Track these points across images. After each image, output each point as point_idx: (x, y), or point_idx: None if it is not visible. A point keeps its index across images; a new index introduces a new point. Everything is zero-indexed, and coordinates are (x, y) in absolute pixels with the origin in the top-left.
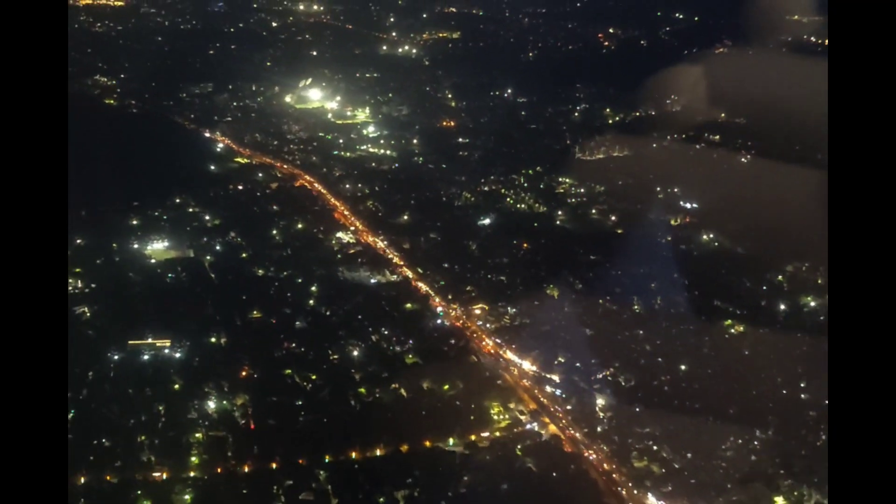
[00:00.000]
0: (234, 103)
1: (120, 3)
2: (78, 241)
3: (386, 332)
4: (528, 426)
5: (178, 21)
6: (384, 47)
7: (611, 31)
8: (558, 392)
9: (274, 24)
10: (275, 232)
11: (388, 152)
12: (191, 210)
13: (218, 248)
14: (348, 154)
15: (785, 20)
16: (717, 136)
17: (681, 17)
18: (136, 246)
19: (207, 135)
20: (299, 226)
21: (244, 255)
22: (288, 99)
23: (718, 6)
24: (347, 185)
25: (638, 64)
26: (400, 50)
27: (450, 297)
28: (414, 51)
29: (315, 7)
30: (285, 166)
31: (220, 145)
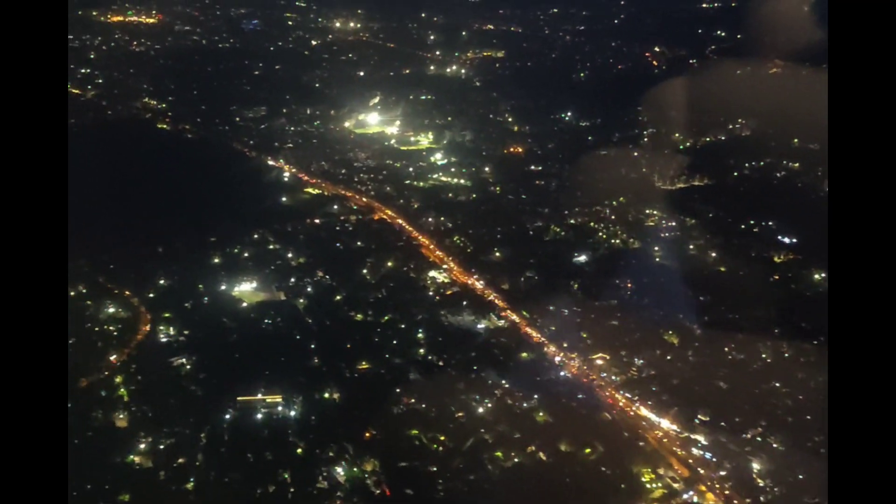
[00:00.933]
0: (292, 128)
1: (152, 21)
2: (161, 281)
3: (507, 386)
4: (685, 495)
5: (215, 40)
6: (432, 67)
7: (657, 49)
8: (708, 455)
9: (314, 43)
10: (364, 271)
11: (462, 181)
12: (271, 247)
13: (309, 289)
14: (422, 184)
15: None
16: (797, 164)
17: (723, 34)
18: (223, 287)
19: (271, 163)
20: (389, 264)
21: (338, 297)
22: (347, 124)
23: (759, 23)
24: (429, 219)
25: (694, 85)
26: (448, 70)
27: (565, 344)
28: (462, 71)
29: (352, 24)
30: (360, 198)
31: (287, 174)
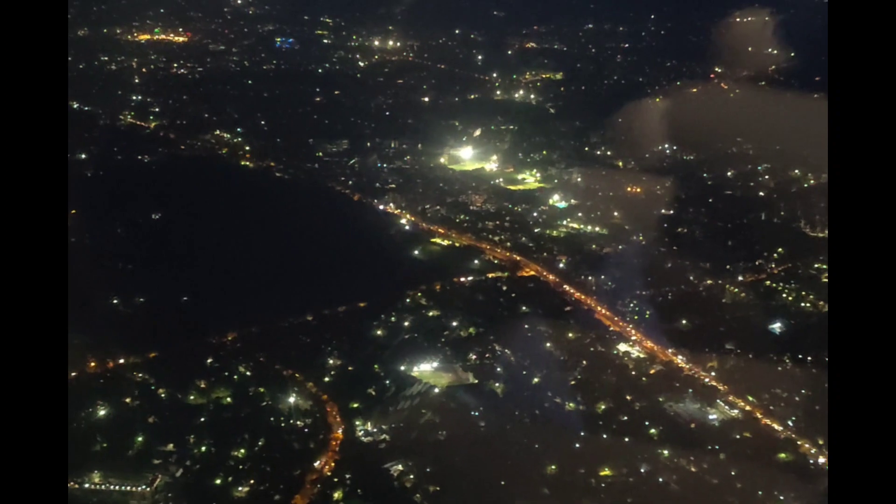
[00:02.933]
0: (385, 165)
1: (182, 39)
2: (331, 360)
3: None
4: None
5: (256, 61)
6: (498, 92)
7: (718, 70)
8: None
9: (362, 65)
10: (548, 345)
11: (598, 229)
12: (430, 313)
13: (498, 369)
14: (555, 232)
15: None
16: None
17: (774, 52)
18: (402, 367)
19: (382, 207)
20: (569, 335)
21: (535, 380)
22: (442, 160)
23: (814, 41)
24: (587, 277)
25: (786, 111)
26: (516, 95)
27: (820, 442)
28: (531, 96)
29: (391, 43)
30: (497, 250)
31: (404, 221)
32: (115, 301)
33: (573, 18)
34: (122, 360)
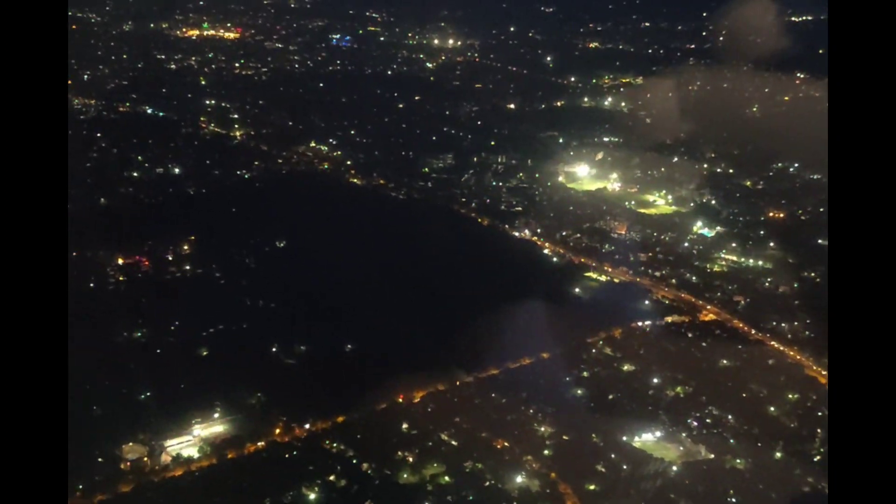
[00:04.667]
0: (501, 184)
1: (233, 35)
2: (541, 427)
3: None
4: None
5: (319, 61)
6: (585, 98)
7: (800, 75)
8: None
9: (430, 66)
10: (772, 409)
11: (760, 263)
12: (625, 368)
13: (730, 440)
14: (716, 267)
15: None
16: None
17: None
18: (623, 438)
19: (516, 234)
20: (789, 396)
21: (776, 454)
22: (560, 178)
23: None
24: (779, 324)
25: None
26: (605, 102)
27: None
28: (622, 103)
29: (451, 42)
30: (663, 288)
31: (547, 251)
32: (274, 349)
33: (626, 16)
34: (308, 426)
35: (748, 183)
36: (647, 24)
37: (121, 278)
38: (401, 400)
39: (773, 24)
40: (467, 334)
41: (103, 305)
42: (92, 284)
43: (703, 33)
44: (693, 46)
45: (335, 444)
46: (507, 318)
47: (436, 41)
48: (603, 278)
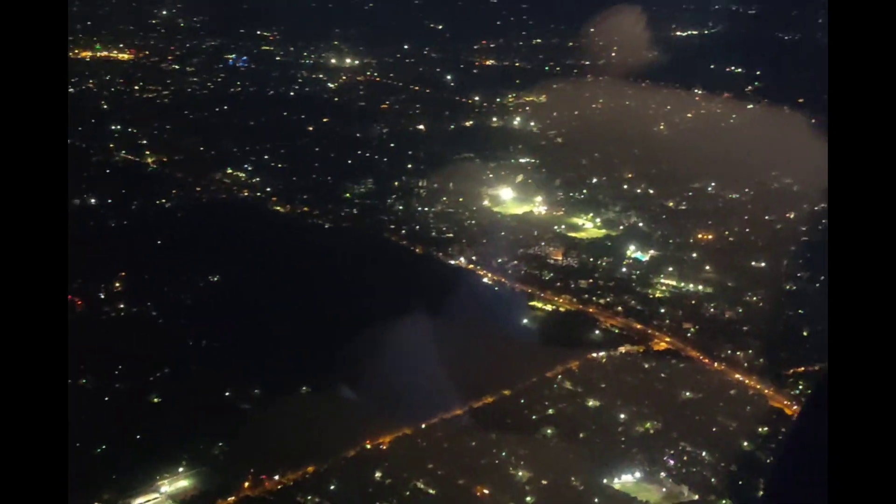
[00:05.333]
0: (426, 209)
1: (127, 57)
2: (518, 472)
3: None
4: None
5: (219, 82)
6: (494, 119)
7: (697, 91)
8: None
9: (332, 86)
10: (745, 443)
11: (701, 288)
12: (590, 403)
13: (712, 479)
14: (657, 293)
15: None
16: None
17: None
18: (604, 481)
19: (452, 262)
20: (760, 429)
21: (761, 492)
22: (485, 202)
23: None
24: (737, 353)
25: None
26: (514, 122)
27: None
28: (531, 123)
29: (348, 61)
30: (611, 317)
31: (487, 280)
32: (227, 394)
33: (515, 32)
34: (277, 477)
35: (671, 203)
36: (539, 40)
37: None
38: (369, 446)
39: (661, 39)
40: (421, 371)
41: None
42: None
43: (596, 49)
44: (588, 63)
45: (309, 498)
46: (463, 353)
47: (333, 60)
48: (548, 307)
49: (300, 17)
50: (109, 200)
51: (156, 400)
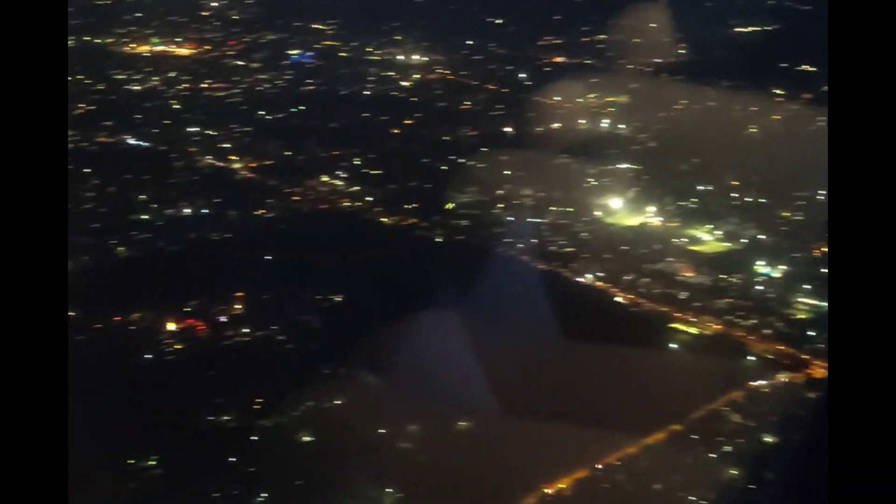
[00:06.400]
0: (538, 220)
1: (186, 52)
2: None
3: None
4: None
5: (288, 80)
6: (578, 119)
7: (777, 91)
8: None
9: (405, 85)
10: None
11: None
12: (766, 439)
13: None
14: (801, 314)
15: None
16: None
17: None
18: None
19: (579, 279)
20: None
21: None
22: (597, 213)
23: None
24: None
25: None
26: (602, 124)
27: None
28: (620, 125)
29: (415, 58)
30: (760, 342)
31: (620, 298)
32: (382, 431)
33: (577, 27)
34: None
35: (786, 214)
36: (603, 35)
37: (177, 346)
38: (549, 490)
39: (724, 35)
40: (584, 408)
41: (171, 383)
42: (149, 356)
43: (662, 46)
44: (660, 60)
45: None
46: (619, 383)
47: (400, 57)
48: (692, 330)
49: (351, 9)
50: (205, 210)
51: (306, 438)
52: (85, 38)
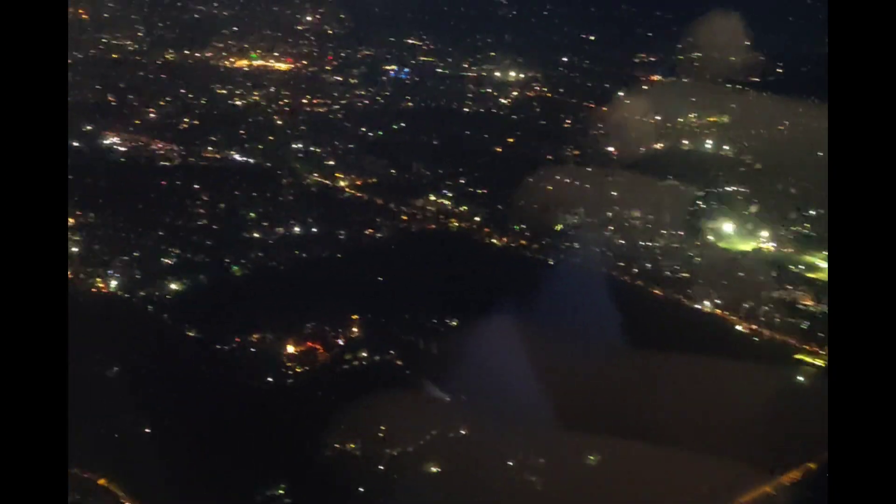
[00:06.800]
0: (650, 243)
1: (284, 67)
2: None
3: None
4: None
5: (387, 96)
6: (684, 141)
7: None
8: None
9: (504, 102)
10: None
11: None
12: None
13: None
14: None
15: None
16: None
17: None
18: None
19: (698, 307)
20: None
21: None
22: (709, 237)
23: None
24: None
25: None
26: (706, 145)
27: None
28: (725, 147)
29: (512, 74)
30: None
31: (740, 327)
32: (510, 463)
33: (670, 44)
34: None
35: None
36: (699, 54)
37: (298, 370)
38: None
39: (807, 53)
40: (717, 442)
41: (295, 408)
42: (270, 378)
43: (755, 64)
44: (758, 79)
45: None
46: (755, 417)
47: (497, 73)
48: (818, 362)
49: (442, 24)
50: (314, 230)
51: (433, 469)
52: (185, 52)
